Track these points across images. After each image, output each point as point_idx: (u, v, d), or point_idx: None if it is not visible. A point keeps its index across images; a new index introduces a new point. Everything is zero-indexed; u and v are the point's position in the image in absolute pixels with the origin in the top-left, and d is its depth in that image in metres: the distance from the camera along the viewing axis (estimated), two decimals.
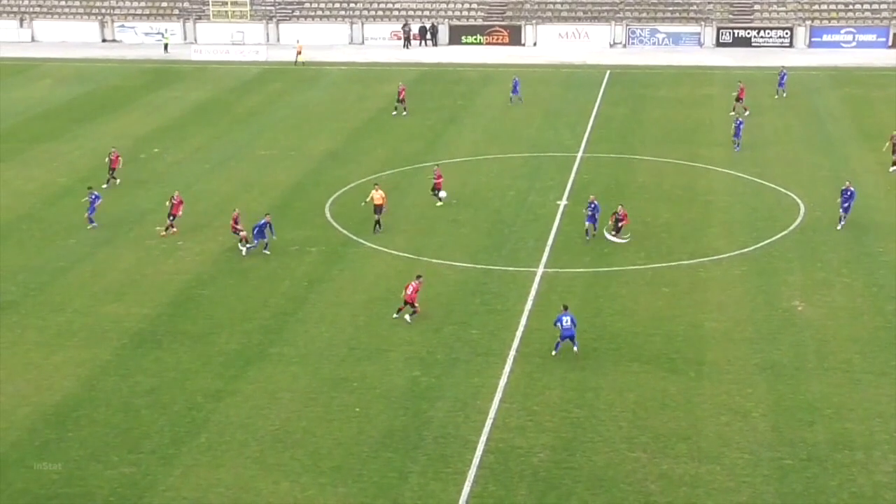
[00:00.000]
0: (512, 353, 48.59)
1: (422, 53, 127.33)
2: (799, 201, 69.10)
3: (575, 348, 47.31)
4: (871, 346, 48.90)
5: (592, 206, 62.16)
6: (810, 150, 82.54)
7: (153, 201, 70.45)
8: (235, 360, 48.29)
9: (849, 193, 62.80)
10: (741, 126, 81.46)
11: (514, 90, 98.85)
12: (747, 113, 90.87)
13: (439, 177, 69.24)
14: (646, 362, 47.57)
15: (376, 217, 63.73)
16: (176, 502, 37.65)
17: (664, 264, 58.93)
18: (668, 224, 65.63)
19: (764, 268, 58.26)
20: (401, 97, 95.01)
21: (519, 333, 50.50)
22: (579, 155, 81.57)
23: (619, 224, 61.10)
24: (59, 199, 71.95)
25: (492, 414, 43.35)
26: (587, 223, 62.01)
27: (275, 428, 42.54)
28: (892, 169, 73.82)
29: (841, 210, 63.56)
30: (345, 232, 63.72)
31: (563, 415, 43.31)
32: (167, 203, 64.17)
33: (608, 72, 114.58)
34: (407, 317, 51.18)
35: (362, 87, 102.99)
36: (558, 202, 69.97)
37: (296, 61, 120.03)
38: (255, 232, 60.08)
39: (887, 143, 75.48)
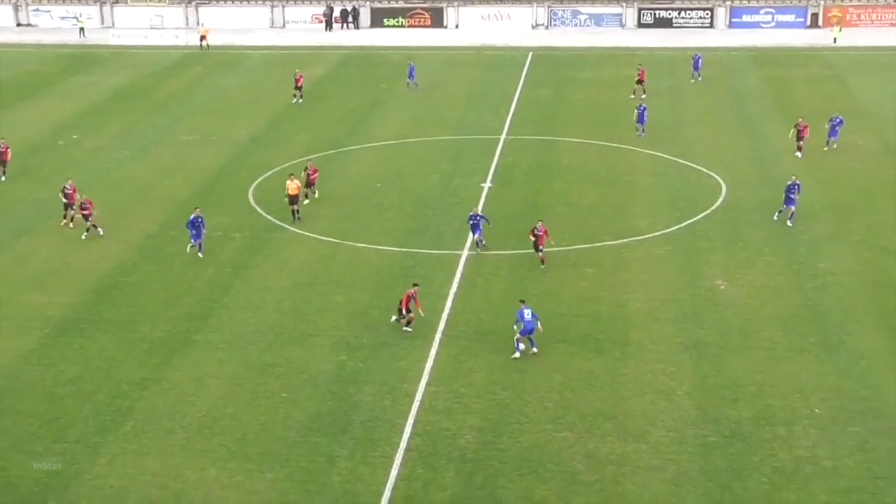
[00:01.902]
0: (438, 335, 48.66)
1: (344, 36, 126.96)
2: (721, 181, 69.76)
3: (534, 349, 46.59)
4: (792, 324, 49.55)
5: (475, 217, 58.21)
6: (732, 130, 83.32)
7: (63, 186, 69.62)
8: (160, 348, 47.95)
9: (796, 188, 61.69)
10: (645, 112, 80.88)
11: (410, 76, 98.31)
12: (644, 96, 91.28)
13: (314, 172, 67.04)
14: (571, 343, 47.85)
15: (293, 207, 62.92)
16: (102, 491, 37.35)
17: (588, 245, 59.26)
18: (592, 205, 66.00)
19: (687, 247, 58.80)
20: (298, 84, 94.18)
21: (445, 316, 50.58)
22: (503, 137, 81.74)
23: (539, 245, 55.79)
24: None
25: (419, 397, 43.42)
26: (473, 236, 58.20)
27: (201, 415, 42.33)
28: (797, 154, 74.12)
29: (784, 204, 61.68)
30: (268, 217, 63.43)
31: (490, 396, 43.48)
32: (60, 194, 62.70)
33: (531, 53, 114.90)
34: (407, 327, 48.90)
35: (284, 72, 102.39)
36: (482, 185, 70.11)
37: (201, 45, 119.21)
38: (189, 228, 57.82)
39: (792, 130, 75.49)
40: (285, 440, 40.50)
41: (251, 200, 66.91)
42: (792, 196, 61.37)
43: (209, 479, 38.01)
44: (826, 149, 75.03)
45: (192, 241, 57.73)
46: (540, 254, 55.46)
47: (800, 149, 74.45)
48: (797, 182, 61.81)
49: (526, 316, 46.20)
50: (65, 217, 62.40)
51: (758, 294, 52.82)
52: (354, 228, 62.23)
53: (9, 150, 72.54)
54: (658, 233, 61.01)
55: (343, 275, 55.50)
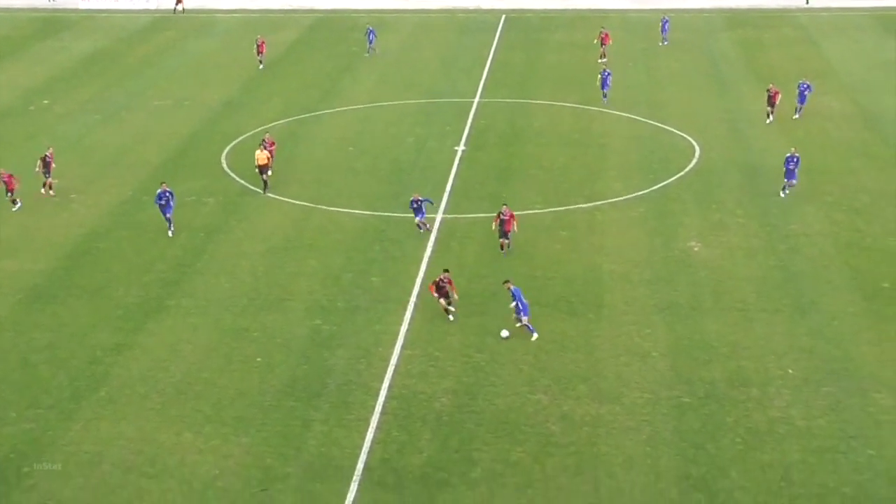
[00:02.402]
0: (412, 299, 48.68)
1: (316, 0, 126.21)
2: (694, 143, 69.85)
3: (534, 335, 45.26)
4: (765, 285, 49.75)
5: (416, 202, 55.55)
6: (705, 92, 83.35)
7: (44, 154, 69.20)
8: (134, 314, 47.83)
9: (794, 160, 59.82)
10: (608, 77, 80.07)
11: (370, 41, 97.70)
12: (604, 60, 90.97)
13: (272, 144, 64.27)
14: (545, 305, 47.92)
15: (263, 177, 61.89)
16: (77, 457, 37.30)
17: (562, 208, 59.30)
18: (566, 168, 66.01)
19: (660, 210, 58.89)
20: (260, 50, 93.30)
21: (419, 280, 50.58)
22: (476, 100, 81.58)
23: (506, 230, 52.72)
24: None
25: (393, 360, 43.46)
26: (416, 218, 55.71)
27: (176, 380, 42.28)
28: (768, 121, 73.70)
29: (785, 178, 60.07)
30: (242, 182, 63.21)
31: (465, 360, 43.56)
32: (38, 162, 61.80)
33: (503, 16, 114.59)
34: (450, 316, 46.62)
35: (256, 36, 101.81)
36: (456, 148, 70.01)
37: (175, 9, 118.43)
38: (158, 204, 56.20)
39: (765, 95, 74.86)
40: (260, 404, 40.50)
41: (224, 165, 66.67)
42: (791, 168, 59.72)
43: (185, 444, 37.99)
44: (796, 116, 74.61)
45: (166, 216, 56.03)
46: (505, 240, 52.72)
47: (770, 114, 74.03)
48: (796, 154, 59.96)
49: (521, 296, 44.96)
50: (44, 185, 61.80)
51: (731, 256, 52.99)
52: (328, 192, 62.09)
53: None
54: (631, 195, 61.08)
55: (316, 239, 55.41)
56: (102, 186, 63.20)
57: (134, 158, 68.92)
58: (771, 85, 75.25)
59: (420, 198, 55.77)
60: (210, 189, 62.44)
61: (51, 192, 61.72)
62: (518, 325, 44.89)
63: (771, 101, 73.91)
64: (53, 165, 61.97)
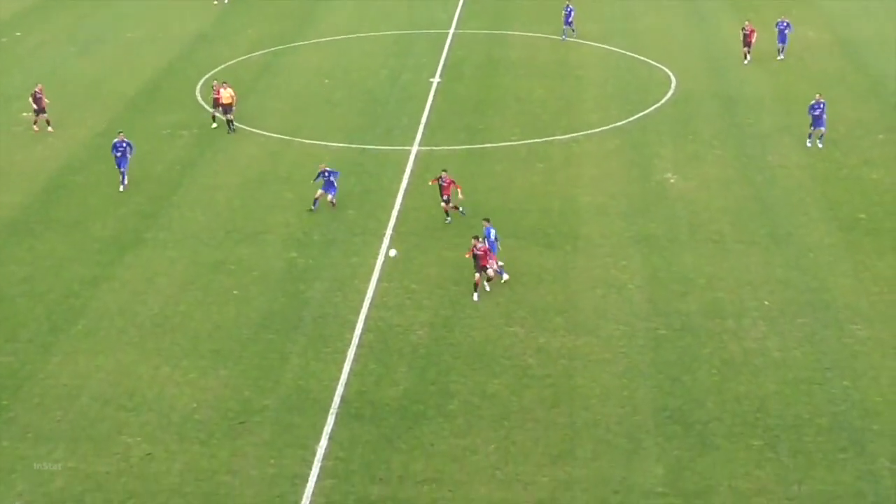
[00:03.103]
0: (388, 231, 48.67)
1: None
2: (671, 74, 69.70)
3: (504, 276, 44.37)
4: (741, 217, 49.87)
5: (326, 173, 50.54)
6: (682, 23, 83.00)
7: (17, 87, 68.80)
8: (111, 247, 47.71)
9: (820, 106, 57.57)
10: (572, 13, 78.38)
11: None
12: None
13: (218, 91, 61.19)
14: (522, 238, 47.97)
15: (227, 117, 60.61)
16: (56, 390, 37.31)
17: (538, 140, 59.22)
18: (542, 99, 65.83)
19: (637, 141, 58.87)
20: None
21: (395, 212, 50.55)
22: (451, 31, 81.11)
23: (445, 195, 49.24)
24: None
25: (370, 293, 43.50)
26: (321, 191, 50.56)
27: (153, 313, 42.26)
28: (745, 62, 71.60)
29: (812, 125, 57.83)
30: (235, 105, 62.80)
31: (441, 292, 43.61)
32: (31, 99, 61.12)
33: None
34: (486, 285, 43.67)
35: None
36: (431, 80, 69.71)
37: None
38: (114, 154, 53.30)
39: (740, 33, 72.61)
40: (237, 338, 40.54)
41: (199, 98, 66.27)
42: (817, 115, 57.37)
43: (162, 377, 38.03)
44: (781, 57, 72.55)
45: (121, 169, 53.34)
46: (446, 205, 49.43)
47: (747, 55, 72.07)
48: (822, 101, 57.69)
49: (491, 235, 44.43)
50: (35, 122, 61.09)
51: (707, 187, 53.06)
52: (304, 125, 61.84)
53: None
54: (608, 127, 61.02)
55: (292, 171, 55.24)
56: (77, 119, 62.76)
57: (108, 91, 68.42)
58: (746, 23, 72.93)
59: (328, 169, 50.78)
60: (185, 122, 62.10)
61: (49, 128, 60.83)
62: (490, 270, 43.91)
63: (746, 40, 71.87)
64: (46, 101, 61.02)
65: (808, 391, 37.05)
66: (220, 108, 60.78)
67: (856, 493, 32.32)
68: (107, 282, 44.68)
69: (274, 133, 60.34)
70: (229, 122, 60.84)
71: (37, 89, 60.77)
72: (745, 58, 72.02)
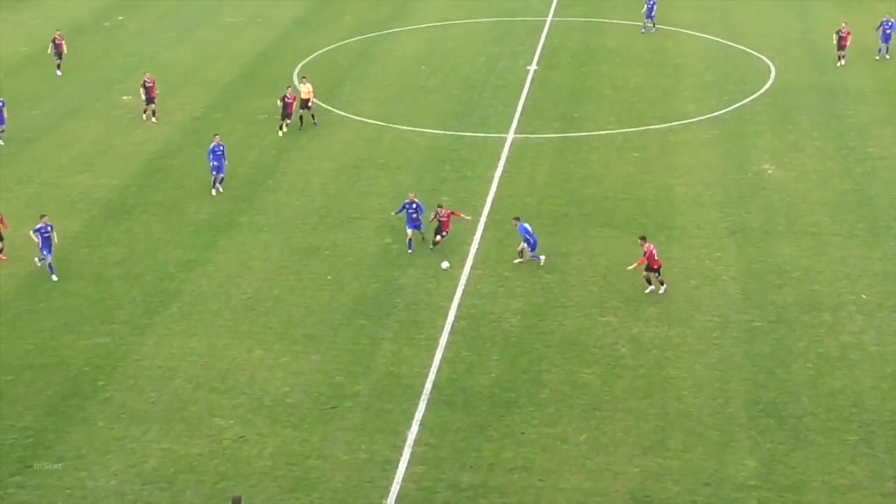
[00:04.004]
0: (483, 219, 48.60)
1: None
2: (770, 64, 68.83)
3: (541, 258, 44.82)
4: (840, 209, 49.14)
5: (413, 205, 46.13)
6: (782, 12, 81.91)
7: (118, 71, 69.76)
8: (206, 230, 48.19)
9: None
10: (654, 6, 75.97)
11: None
12: None
13: (293, 99, 59.27)
14: (616, 227, 47.69)
15: (302, 112, 59.27)
16: (150, 371, 37.78)
17: (634, 129, 58.81)
18: (639, 88, 65.35)
19: (734, 131, 58.23)
20: None
21: (489, 200, 50.48)
22: (549, 19, 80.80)
23: (444, 231, 45.80)
24: (22, 69, 70.94)
25: (463, 280, 43.49)
26: (409, 230, 46.12)
27: (247, 297, 42.61)
28: (839, 64, 68.39)
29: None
30: (313, 99, 63.13)
31: (534, 280, 43.49)
32: (141, 89, 60.89)
33: None
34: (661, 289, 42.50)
35: None
36: (528, 67, 69.50)
37: None
38: (210, 159, 51.78)
39: (834, 37, 69.16)
40: (330, 322, 40.75)
41: (296, 83, 66.61)
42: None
43: (255, 361, 38.36)
44: (878, 57, 70.01)
45: (213, 172, 51.94)
46: (439, 237, 45.60)
47: (841, 58, 68.63)
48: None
49: (526, 232, 44.06)
50: (145, 111, 61.34)
51: (805, 178, 52.36)
52: (399, 111, 61.96)
53: (64, 41, 70.06)
54: (705, 116, 60.42)
55: (388, 157, 55.39)
56: (175, 103, 63.43)
57: (206, 75, 69.10)
58: (843, 24, 69.59)
59: (416, 201, 46.15)
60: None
61: (153, 118, 60.88)
62: (530, 258, 44.57)
63: (841, 42, 68.38)
64: (157, 91, 60.95)
65: None
66: (301, 103, 59.20)
67: None
68: (201, 265, 45.15)
69: (369, 119, 60.54)
70: (312, 115, 59.73)
71: (146, 78, 60.68)
72: (840, 60, 68.64)
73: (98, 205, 50.77)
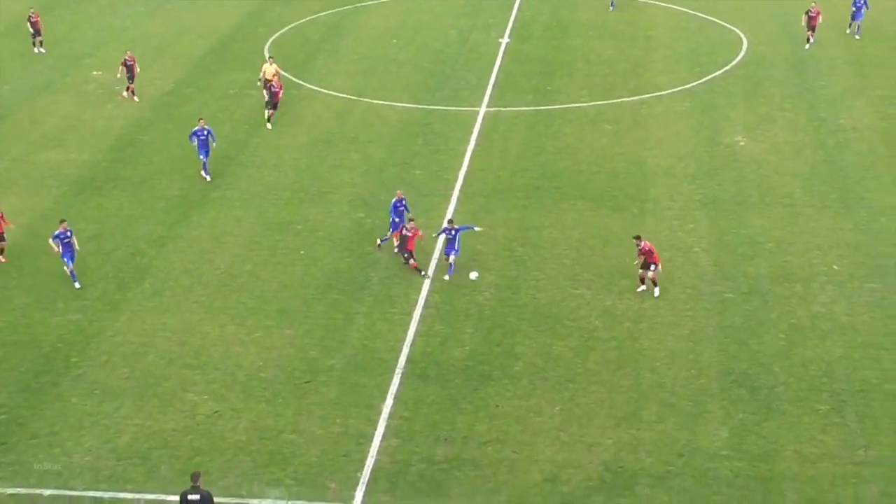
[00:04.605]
0: (455, 193, 48.58)
1: None
2: (742, 36, 68.88)
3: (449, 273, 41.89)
4: (812, 180, 49.30)
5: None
6: None
7: (88, 45, 69.40)
8: (178, 206, 48.01)
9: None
10: None
11: None
12: None
13: (280, 88, 56.97)
14: (589, 200, 47.74)
15: (267, 92, 56.95)
16: (123, 347, 37.67)
17: (607, 102, 58.81)
18: (611, 61, 65.33)
19: (706, 103, 58.31)
20: None
21: (462, 173, 50.44)
22: None
23: (408, 248, 42.11)
24: None
25: (436, 254, 43.44)
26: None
27: (220, 272, 42.50)
28: (807, 46, 67.06)
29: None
30: (284, 74, 62.88)
31: (507, 254, 43.52)
32: (122, 67, 59.94)
33: None
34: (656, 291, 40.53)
35: None
36: (500, 40, 69.38)
37: None
38: (194, 143, 50.47)
39: (803, 17, 68.07)
40: (304, 297, 40.70)
41: (267, 57, 66.29)
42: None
43: (228, 336, 38.29)
44: (849, 31, 69.57)
45: (201, 157, 50.38)
46: (408, 258, 42.23)
47: (810, 38, 67.26)
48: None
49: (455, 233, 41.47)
50: (128, 89, 60.39)
51: (777, 150, 52.49)
52: (371, 85, 61.79)
53: (39, 18, 68.83)
54: (677, 89, 60.47)
55: (359, 131, 55.26)
56: (146, 78, 62.99)
57: (177, 50, 68.75)
58: (813, 4, 68.05)
59: (403, 199, 44.01)
60: (253, 81, 62.10)
61: (134, 97, 60.11)
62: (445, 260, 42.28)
63: (811, 23, 66.96)
64: (137, 70, 60.21)
65: (875, 356, 36.66)
66: (263, 83, 57.41)
67: None
68: (173, 241, 45.00)
69: (340, 93, 60.36)
70: (268, 103, 56.94)
71: (127, 57, 59.88)
72: (808, 41, 67.31)
73: (69, 181, 50.51)
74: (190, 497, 27.62)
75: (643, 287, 40.81)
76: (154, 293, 41.13)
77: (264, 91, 57.05)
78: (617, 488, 30.99)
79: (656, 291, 40.50)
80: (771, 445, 32.54)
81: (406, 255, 42.12)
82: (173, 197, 48.81)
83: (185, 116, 57.30)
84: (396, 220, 43.44)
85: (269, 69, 58.15)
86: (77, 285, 41.54)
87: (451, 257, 41.70)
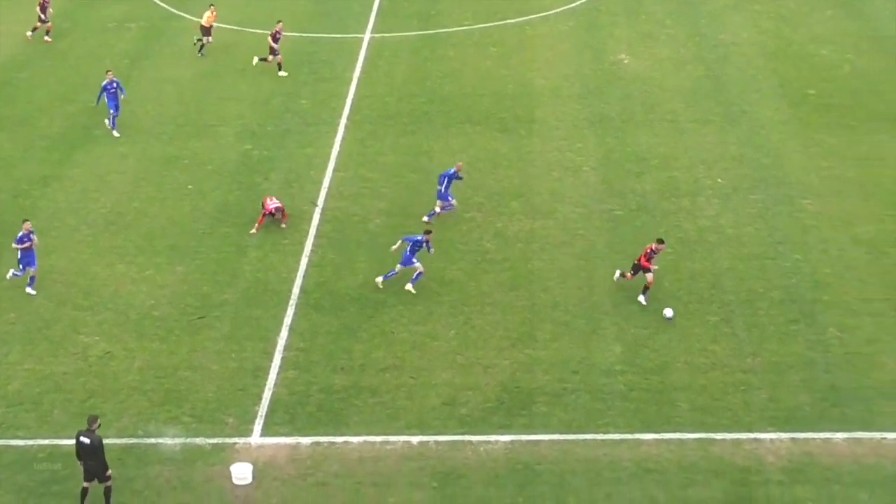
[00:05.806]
0: (343, 121, 48.33)
1: None
2: None
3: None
4: (695, 96, 49.84)
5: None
6: None
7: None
8: (60, 144, 47.09)
9: None
10: None
11: None
12: None
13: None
14: (476, 123, 47.79)
15: (204, 40, 55.51)
16: (9, 291, 36.82)
17: (491, 24, 58.71)
18: None
19: (590, 22, 58.50)
20: None
21: (349, 101, 50.17)
22: None
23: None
24: None
25: (326, 183, 43.28)
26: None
27: (106, 210, 41.86)
28: None
29: None
30: (165, 6, 61.83)
31: (398, 180, 43.46)
32: (38, 9, 57.39)
33: None
34: (642, 298, 36.00)
35: None
36: None
37: None
38: (105, 97, 47.72)
39: None
40: (193, 232, 40.29)
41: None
42: None
43: (118, 275, 37.80)
44: None
45: (111, 111, 47.74)
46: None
47: None
48: None
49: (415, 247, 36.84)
50: (45, 32, 57.87)
51: (660, 67, 52.93)
52: (256, 15, 60.89)
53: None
54: (561, 9, 60.54)
55: (245, 63, 54.49)
56: (20, 16, 61.35)
57: None
58: None
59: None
60: (133, 14, 61.04)
61: (46, 37, 57.72)
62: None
63: None
64: (51, 10, 57.87)
65: (761, 266, 37.41)
66: (203, 31, 55.87)
67: (807, 363, 32.93)
68: (57, 181, 44.17)
69: (225, 24, 59.38)
70: (200, 43, 55.80)
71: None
72: None
73: None
74: (82, 439, 27.37)
75: (624, 278, 36.51)
76: (39, 234, 39.99)
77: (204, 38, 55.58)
78: (514, 408, 31.33)
79: (642, 298, 36.00)
80: (663, 358, 33.11)
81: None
82: (55, 135, 47.85)
83: (63, 52, 56.19)
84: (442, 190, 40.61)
85: (207, 15, 55.56)
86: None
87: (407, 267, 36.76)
